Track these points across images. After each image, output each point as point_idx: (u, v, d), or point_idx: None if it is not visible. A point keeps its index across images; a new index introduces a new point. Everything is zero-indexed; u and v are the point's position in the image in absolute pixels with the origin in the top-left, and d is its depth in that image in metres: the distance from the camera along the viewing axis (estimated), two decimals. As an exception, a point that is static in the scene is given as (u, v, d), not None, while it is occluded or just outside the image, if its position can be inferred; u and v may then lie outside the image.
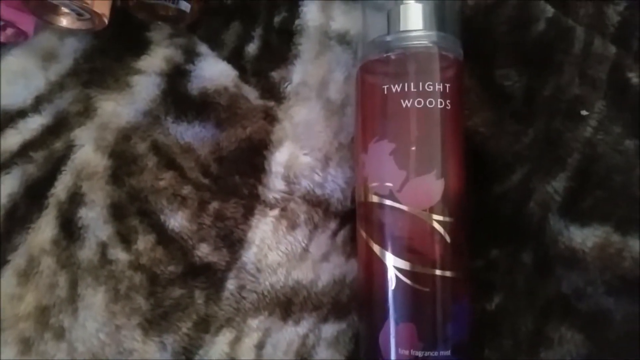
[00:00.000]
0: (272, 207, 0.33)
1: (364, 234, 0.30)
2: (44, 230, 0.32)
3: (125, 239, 0.32)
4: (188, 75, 0.34)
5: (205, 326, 0.32)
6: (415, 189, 0.28)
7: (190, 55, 0.34)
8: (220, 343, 0.32)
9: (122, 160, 0.33)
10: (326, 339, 0.32)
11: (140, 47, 0.34)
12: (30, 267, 0.32)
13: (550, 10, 0.34)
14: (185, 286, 0.32)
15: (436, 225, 0.28)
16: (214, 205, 0.33)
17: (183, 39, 0.34)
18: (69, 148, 0.33)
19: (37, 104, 0.33)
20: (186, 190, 0.33)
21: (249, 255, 0.32)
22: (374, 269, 0.29)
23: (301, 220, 0.33)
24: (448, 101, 0.29)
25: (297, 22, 0.34)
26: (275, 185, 0.33)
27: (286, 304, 0.32)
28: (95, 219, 0.32)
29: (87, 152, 0.33)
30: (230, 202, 0.33)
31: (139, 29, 0.34)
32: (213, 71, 0.34)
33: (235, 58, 0.34)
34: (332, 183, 0.33)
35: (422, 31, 0.29)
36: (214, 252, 0.32)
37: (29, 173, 0.33)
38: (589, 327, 0.31)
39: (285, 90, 0.34)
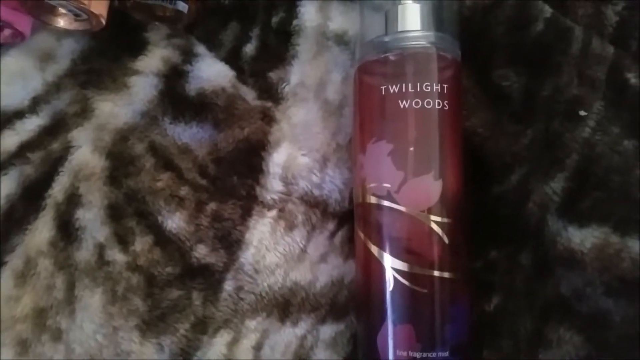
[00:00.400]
0: (269, 208, 0.33)
1: (361, 235, 0.30)
2: (41, 231, 0.32)
3: (123, 240, 0.32)
4: (185, 76, 0.34)
5: (202, 327, 0.32)
6: (414, 189, 0.28)
7: (188, 55, 0.34)
8: (218, 344, 0.32)
9: (119, 161, 0.33)
10: (324, 340, 0.32)
11: (138, 47, 0.34)
12: (27, 268, 0.32)
13: (548, 11, 0.33)
14: (182, 287, 0.32)
15: (434, 226, 0.28)
16: (212, 206, 0.33)
17: (180, 40, 0.34)
18: (67, 149, 0.33)
19: (35, 105, 0.33)
20: (184, 191, 0.33)
21: (247, 257, 0.32)
22: (372, 270, 0.29)
23: (299, 221, 0.33)
24: (446, 102, 0.29)
25: (294, 22, 0.34)
26: (273, 186, 0.33)
27: (284, 305, 0.32)
28: (92, 220, 0.32)
29: (85, 153, 0.33)
30: (227, 203, 0.33)
31: (136, 29, 0.34)
32: (210, 72, 0.34)
33: (232, 58, 0.34)
34: (330, 184, 0.33)
35: (420, 32, 0.29)
36: (211, 253, 0.32)
37: (26, 174, 0.33)
38: (588, 328, 0.31)
39: (282, 91, 0.34)
